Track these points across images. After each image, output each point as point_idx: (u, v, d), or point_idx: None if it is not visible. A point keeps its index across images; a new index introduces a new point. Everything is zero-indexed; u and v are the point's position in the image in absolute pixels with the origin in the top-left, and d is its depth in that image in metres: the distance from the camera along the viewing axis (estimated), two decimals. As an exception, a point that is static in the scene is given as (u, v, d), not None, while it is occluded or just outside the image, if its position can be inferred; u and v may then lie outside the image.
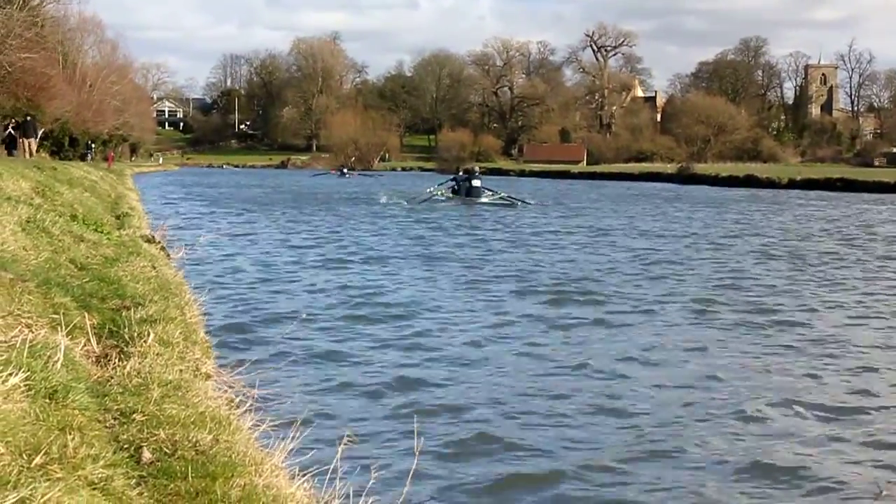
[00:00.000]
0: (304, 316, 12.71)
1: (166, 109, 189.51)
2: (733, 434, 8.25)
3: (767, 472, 7.31)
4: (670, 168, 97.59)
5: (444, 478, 6.81)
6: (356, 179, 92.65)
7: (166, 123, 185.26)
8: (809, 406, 9.15)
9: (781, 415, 8.87)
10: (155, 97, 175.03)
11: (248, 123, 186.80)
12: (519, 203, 44.59)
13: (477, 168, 51.32)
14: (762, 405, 9.10)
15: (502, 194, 46.35)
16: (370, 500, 4.76)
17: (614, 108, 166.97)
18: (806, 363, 11.04)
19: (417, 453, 5.23)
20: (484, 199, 45.28)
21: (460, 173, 48.81)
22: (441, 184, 49.25)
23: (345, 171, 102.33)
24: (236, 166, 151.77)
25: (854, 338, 12.50)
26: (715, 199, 54.60)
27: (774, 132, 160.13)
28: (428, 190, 48.38)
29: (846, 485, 7.12)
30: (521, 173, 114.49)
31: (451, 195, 46.52)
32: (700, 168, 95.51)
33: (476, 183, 45.95)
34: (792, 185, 73.38)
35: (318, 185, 69.23)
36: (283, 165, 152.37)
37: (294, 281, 17.09)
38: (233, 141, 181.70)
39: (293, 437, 5.29)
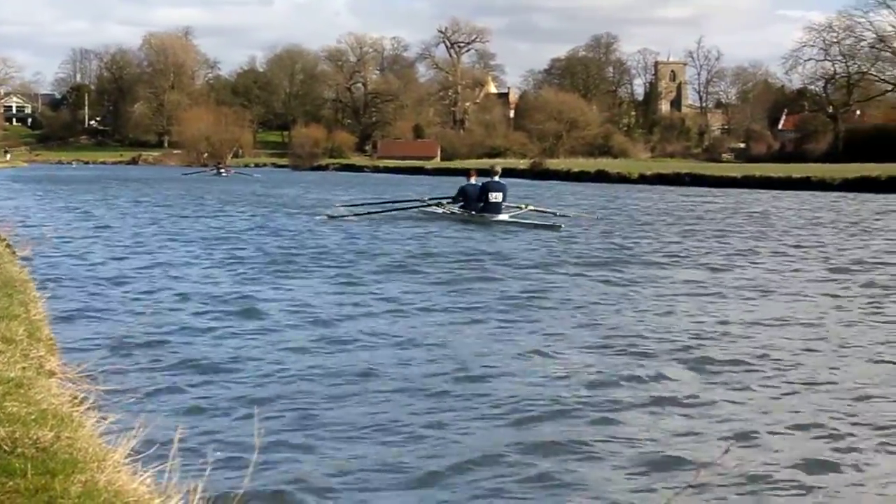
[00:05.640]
0: (150, 311, 12.61)
1: (13, 105, 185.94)
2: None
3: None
4: (523, 164, 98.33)
5: (286, 467, 6.81)
6: (235, 177, 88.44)
7: (14, 119, 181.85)
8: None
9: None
10: (1, 92, 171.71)
11: (98, 119, 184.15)
12: (561, 222, 29.35)
13: (498, 168, 32.99)
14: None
15: (530, 207, 32.35)
16: (208, 492, 4.76)
17: (468, 104, 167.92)
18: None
19: (258, 443, 5.25)
20: (503, 217, 30.43)
21: (472, 179, 32.02)
22: (449, 200, 32.76)
23: (221, 168, 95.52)
24: (86, 163, 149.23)
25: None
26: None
27: (625, 128, 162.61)
28: (427, 199, 34.64)
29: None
30: (376, 169, 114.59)
31: (455, 210, 31.75)
32: (552, 163, 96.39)
33: (495, 197, 30.59)
34: (642, 179, 74.43)
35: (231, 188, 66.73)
36: (134, 162, 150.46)
37: (146, 278, 16.89)
38: (83, 137, 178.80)
39: (136, 433, 5.26)
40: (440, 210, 32.39)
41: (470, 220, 30.34)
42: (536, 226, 28.89)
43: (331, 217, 31.68)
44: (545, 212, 32.52)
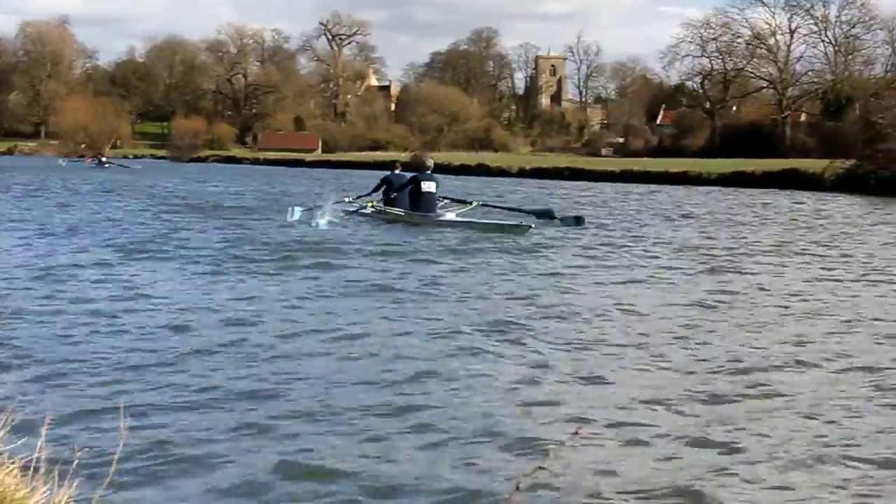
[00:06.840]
0: (16, 299, 12.44)
1: None
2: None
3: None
4: (404, 157, 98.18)
5: (151, 458, 6.76)
6: (117, 169, 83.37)
7: None
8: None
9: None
10: None
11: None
12: (530, 221, 24.75)
13: (430, 161, 28.02)
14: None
15: (474, 204, 27.90)
16: (76, 482, 4.71)
17: (349, 96, 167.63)
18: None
19: (124, 433, 5.19)
20: (450, 216, 25.62)
21: (397, 171, 28.48)
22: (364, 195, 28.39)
23: (103, 159, 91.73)
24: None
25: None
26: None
27: (506, 122, 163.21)
28: (347, 199, 28.80)
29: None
30: (256, 161, 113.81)
31: (380, 208, 27.00)
32: (434, 156, 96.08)
33: (428, 187, 25.95)
34: (521, 174, 74.90)
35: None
36: (9, 152, 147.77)
37: (12, 266, 16.60)
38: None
39: (4, 423, 5.19)
40: (368, 210, 27.10)
41: (409, 221, 25.56)
42: (499, 227, 24.02)
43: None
44: (505, 208, 28.91)
